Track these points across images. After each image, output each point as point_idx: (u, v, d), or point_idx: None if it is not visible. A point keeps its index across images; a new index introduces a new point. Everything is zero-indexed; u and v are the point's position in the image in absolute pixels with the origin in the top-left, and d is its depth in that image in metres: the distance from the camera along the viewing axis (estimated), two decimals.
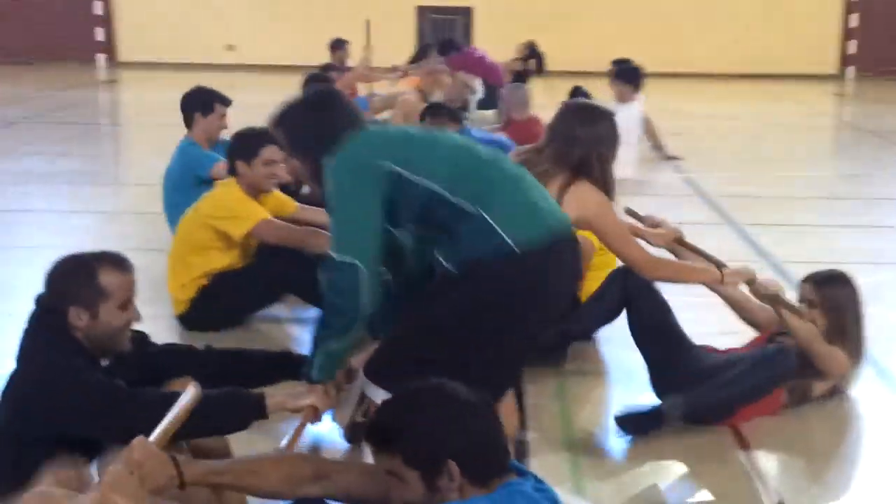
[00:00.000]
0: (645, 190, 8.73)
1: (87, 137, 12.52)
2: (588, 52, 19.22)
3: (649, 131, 10.44)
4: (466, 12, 21.21)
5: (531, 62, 15.63)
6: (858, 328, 4.25)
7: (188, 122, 6.24)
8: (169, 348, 3.37)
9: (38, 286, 2.95)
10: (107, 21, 21.17)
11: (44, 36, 21.13)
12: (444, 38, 14.58)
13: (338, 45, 13.24)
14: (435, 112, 7.21)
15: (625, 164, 8.84)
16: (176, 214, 5.60)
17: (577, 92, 9.00)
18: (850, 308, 4.24)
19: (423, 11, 21.21)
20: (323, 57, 13.03)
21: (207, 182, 5.76)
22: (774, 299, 4.09)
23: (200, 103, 6.21)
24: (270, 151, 4.96)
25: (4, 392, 2.89)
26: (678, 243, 4.49)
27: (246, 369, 3.33)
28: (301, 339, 5.00)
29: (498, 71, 13.15)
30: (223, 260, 5.09)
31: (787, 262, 6.35)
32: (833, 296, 4.22)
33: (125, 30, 21.48)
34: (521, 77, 13.46)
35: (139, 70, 20.56)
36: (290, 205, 5.44)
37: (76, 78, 18.99)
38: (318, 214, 5.08)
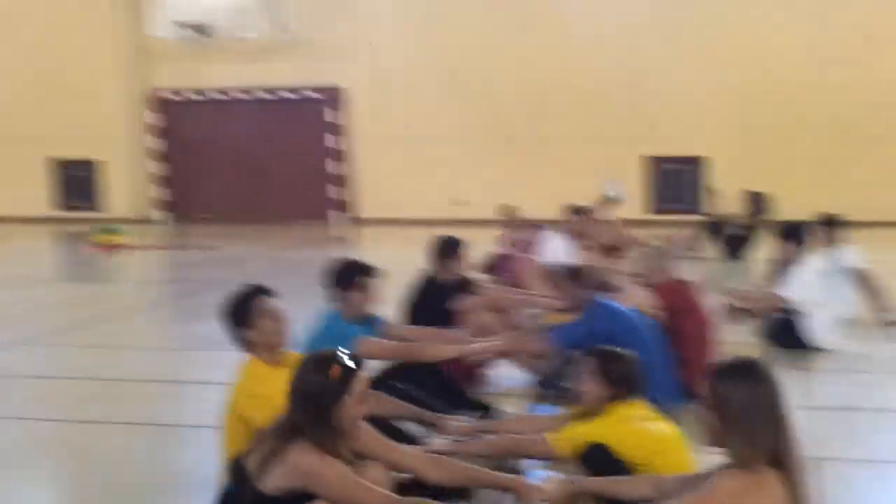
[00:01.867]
0: (857, 366, 8.02)
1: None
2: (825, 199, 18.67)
3: (866, 287, 9.22)
4: (695, 161, 21.02)
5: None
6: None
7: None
8: None
9: None
10: (343, 179, 22.22)
11: (279, 197, 22.33)
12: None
13: (577, 212, 12.66)
14: None
15: (820, 329, 8.35)
16: None
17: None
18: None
19: (653, 162, 21.17)
20: (551, 210, 12.97)
21: None
22: None
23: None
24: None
25: None
26: None
27: None
28: None
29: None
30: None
31: None
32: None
33: (365, 187, 22.40)
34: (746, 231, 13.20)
35: (378, 226, 21.34)
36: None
37: (309, 235, 19.89)
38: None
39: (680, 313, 6.94)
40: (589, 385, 4.67)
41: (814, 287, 8.54)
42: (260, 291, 4.96)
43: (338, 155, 22.21)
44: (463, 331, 6.87)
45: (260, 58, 21.68)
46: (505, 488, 4.12)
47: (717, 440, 3.46)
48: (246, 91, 22.32)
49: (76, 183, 23.23)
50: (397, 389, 5.83)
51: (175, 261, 17.20)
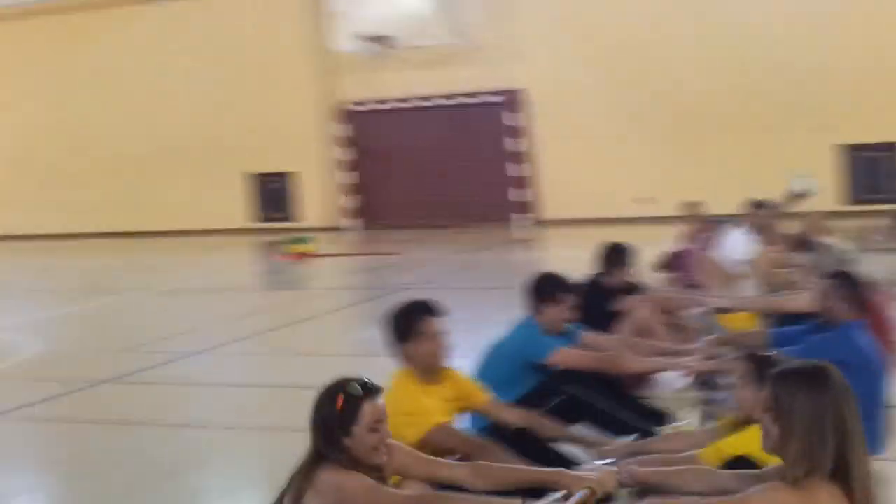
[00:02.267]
0: None
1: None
2: None
3: None
4: (892, 148, 19.91)
5: None
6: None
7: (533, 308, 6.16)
8: None
9: None
10: (524, 181, 22.24)
11: (462, 201, 22.56)
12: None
13: (759, 206, 12.26)
14: None
15: None
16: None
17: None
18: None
19: (846, 150, 20.20)
20: (735, 202, 12.48)
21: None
22: None
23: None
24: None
25: None
26: None
27: None
28: None
29: None
30: None
31: None
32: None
33: (546, 188, 22.37)
34: None
35: (560, 227, 21.31)
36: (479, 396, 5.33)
37: (491, 238, 19.99)
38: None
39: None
40: (744, 392, 4.48)
41: None
42: (425, 310, 4.96)
43: (518, 157, 22.25)
44: (624, 330, 6.79)
45: (438, 64, 22.02)
46: (551, 482, 4.04)
47: (775, 448, 3.25)
48: (426, 98, 22.66)
49: (272, 195, 24.18)
50: (571, 395, 5.80)
51: (358, 267, 17.67)
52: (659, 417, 6.01)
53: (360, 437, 3.70)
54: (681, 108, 20.83)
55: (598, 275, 7.71)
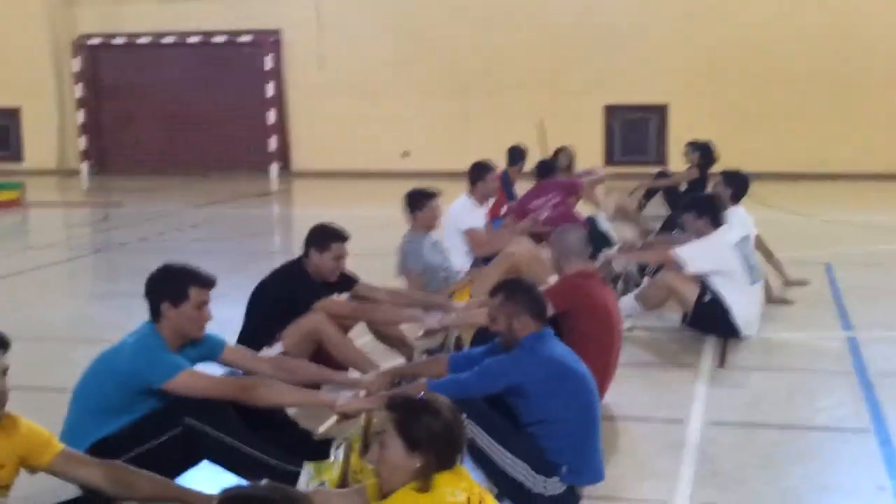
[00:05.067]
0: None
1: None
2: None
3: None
4: (660, 110, 19.51)
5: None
6: None
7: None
8: None
9: None
10: (280, 130, 20.67)
11: (218, 148, 20.86)
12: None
13: (516, 157, 11.37)
14: None
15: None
16: None
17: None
18: None
19: (612, 111, 19.65)
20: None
21: None
22: None
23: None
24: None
25: None
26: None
27: None
28: None
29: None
30: None
31: None
32: None
33: (298, 139, 20.88)
34: (698, 185, 11.12)
35: (312, 179, 19.89)
36: None
37: (246, 189, 18.39)
38: None
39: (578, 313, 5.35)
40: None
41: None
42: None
43: (272, 103, 20.56)
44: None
45: None
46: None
47: None
48: (176, 34, 20.71)
49: None
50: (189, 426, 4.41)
51: (73, 220, 15.56)
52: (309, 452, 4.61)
53: None
54: (449, 66, 19.74)
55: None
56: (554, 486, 4.07)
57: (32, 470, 3.72)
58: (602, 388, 5.16)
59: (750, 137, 18.07)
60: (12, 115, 21.59)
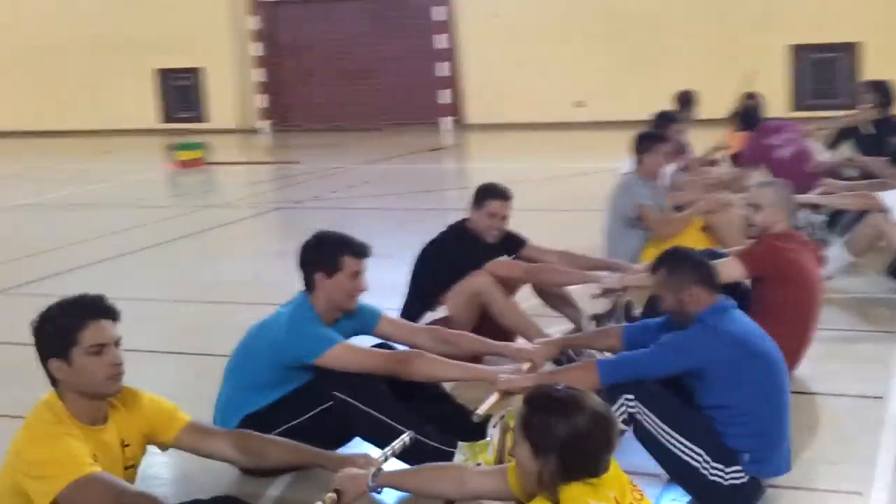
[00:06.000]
0: None
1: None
2: None
3: None
4: (850, 49, 18.30)
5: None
6: None
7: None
8: None
9: None
10: (453, 83, 20.49)
11: (391, 102, 20.87)
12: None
13: (685, 101, 11.06)
14: None
15: None
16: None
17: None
18: None
19: (798, 51, 18.57)
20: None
21: None
22: None
23: None
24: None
25: None
26: None
27: None
28: None
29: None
30: None
31: None
32: None
33: (470, 92, 20.64)
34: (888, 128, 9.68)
35: (485, 132, 19.66)
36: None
37: (419, 143, 18.31)
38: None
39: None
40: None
41: None
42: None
43: (445, 55, 20.39)
44: None
45: None
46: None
47: None
48: None
49: (180, 93, 22.28)
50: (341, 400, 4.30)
51: (248, 179, 15.79)
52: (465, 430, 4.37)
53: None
54: (615, 10, 19.05)
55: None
56: (734, 476, 3.70)
57: (162, 446, 3.62)
58: (792, 366, 4.74)
59: None
60: (194, 75, 22.17)
